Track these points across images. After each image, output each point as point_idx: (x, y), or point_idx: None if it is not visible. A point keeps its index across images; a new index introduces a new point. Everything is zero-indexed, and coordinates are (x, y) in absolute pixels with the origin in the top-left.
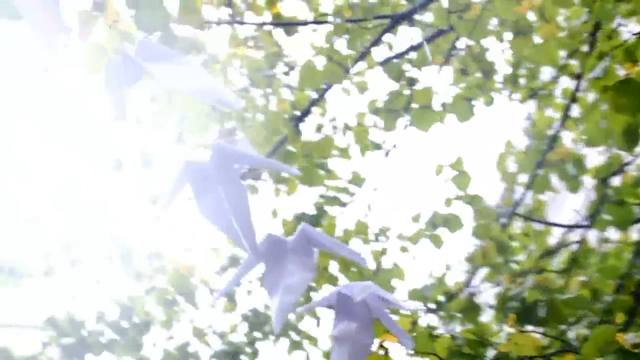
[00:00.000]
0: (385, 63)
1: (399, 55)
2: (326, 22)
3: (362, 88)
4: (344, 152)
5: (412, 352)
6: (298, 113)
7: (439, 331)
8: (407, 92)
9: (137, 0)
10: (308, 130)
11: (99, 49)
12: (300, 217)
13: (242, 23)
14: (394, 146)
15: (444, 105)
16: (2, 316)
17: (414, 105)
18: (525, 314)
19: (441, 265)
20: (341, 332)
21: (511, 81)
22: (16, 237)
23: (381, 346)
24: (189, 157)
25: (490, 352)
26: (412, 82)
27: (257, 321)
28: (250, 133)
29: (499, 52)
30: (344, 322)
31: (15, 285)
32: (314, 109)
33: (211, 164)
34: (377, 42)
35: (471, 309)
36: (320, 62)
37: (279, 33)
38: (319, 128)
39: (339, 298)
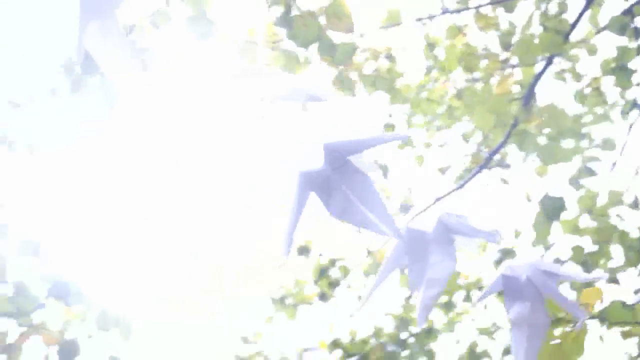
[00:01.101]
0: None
1: (627, 11)
2: None
3: (591, 51)
4: (598, 118)
5: (606, 324)
6: (525, 91)
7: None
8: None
9: (288, 18)
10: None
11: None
12: (543, 201)
13: (454, 12)
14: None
15: None
16: (292, 342)
17: None
18: None
19: None
20: (515, 315)
21: None
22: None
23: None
24: (299, 167)
25: None
26: (638, 33)
27: None
28: (477, 122)
29: None
30: (515, 305)
31: (292, 314)
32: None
33: (325, 164)
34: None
35: None
36: (537, 33)
37: (500, 13)
38: (579, 96)
39: (505, 281)
